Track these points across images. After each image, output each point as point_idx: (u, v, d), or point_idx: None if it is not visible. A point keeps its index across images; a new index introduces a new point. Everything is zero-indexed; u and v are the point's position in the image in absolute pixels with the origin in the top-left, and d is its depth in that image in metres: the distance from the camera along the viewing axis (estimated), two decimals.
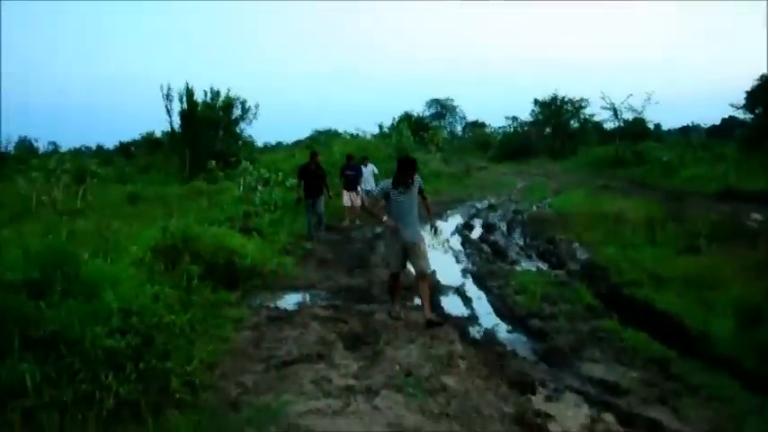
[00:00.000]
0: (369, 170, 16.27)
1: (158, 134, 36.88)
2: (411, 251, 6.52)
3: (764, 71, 33.27)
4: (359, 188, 14.94)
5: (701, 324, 6.18)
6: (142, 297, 5.70)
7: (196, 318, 6.09)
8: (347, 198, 14.97)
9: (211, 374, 5.02)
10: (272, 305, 7.48)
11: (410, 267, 6.86)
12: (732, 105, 35.36)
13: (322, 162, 13.30)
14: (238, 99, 29.15)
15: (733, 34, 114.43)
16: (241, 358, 5.48)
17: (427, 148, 32.09)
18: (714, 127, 52.68)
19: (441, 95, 67.29)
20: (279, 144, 51.82)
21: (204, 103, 28.29)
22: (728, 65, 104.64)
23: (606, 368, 5.32)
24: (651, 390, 4.80)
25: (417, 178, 6.56)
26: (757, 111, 33.24)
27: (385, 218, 6.54)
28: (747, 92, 33.69)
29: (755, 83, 33.21)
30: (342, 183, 15.03)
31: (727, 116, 46.12)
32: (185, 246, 8.41)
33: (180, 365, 4.76)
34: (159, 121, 43.40)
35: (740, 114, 36.06)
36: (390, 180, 6.56)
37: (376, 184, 16.54)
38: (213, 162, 18.06)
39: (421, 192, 6.67)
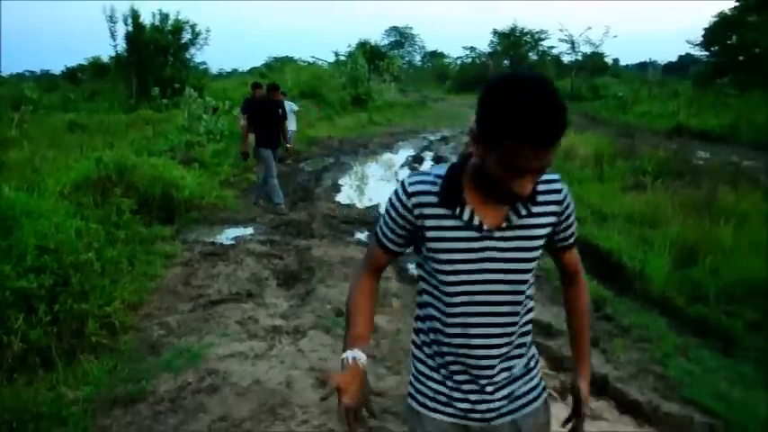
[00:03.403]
0: (287, 108, 12.94)
1: (105, 59, 35.24)
2: None
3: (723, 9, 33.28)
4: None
5: (639, 262, 6.18)
6: (63, 233, 5.39)
7: (123, 254, 5.83)
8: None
9: (134, 315, 4.82)
10: (207, 240, 7.24)
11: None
12: (689, 42, 35.37)
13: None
14: (188, 23, 27.84)
15: None
16: (168, 297, 5.28)
17: (382, 78, 31.46)
18: (671, 64, 53.04)
19: (400, 23, 66.24)
20: (234, 71, 50.29)
21: (152, 26, 26.93)
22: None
23: (541, 308, 5.26)
24: None
25: (560, 192, 1.60)
26: (713, 49, 33.31)
27: (349, 353, 1.64)
28: (705, 29, 33.70)
29: (713, 20, 33.24)
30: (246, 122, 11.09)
31: (684, 53, 46.44)
32: (120, 177, 8.05)
33: (99, 306, 4.54)
34: (107, 44, 41.34)
35: (697, 52, 36.14)
36: (439, 171, 1.59)
37: (296, 126, 13.37)
38: (157, 89, 17.32)
39: (560, 248, 1.73)
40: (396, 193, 1.60)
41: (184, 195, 8.37)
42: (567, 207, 1.61)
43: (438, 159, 14.46)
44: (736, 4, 32.82)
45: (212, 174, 10.70)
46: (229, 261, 6.24)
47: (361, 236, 7.60)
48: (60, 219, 5.74)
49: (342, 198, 10.06)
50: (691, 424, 3.46)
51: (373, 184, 11.92)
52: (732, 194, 8.29)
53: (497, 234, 1.52)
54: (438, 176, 1.55)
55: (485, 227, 1.51)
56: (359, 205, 9.48)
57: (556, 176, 1.59)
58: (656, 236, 6.82)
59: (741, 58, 29.33)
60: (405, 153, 15.93)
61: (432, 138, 19.52)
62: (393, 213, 1.60)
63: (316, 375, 3.81)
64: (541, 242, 1.59)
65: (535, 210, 1.55)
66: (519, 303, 1.60)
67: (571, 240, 1.71)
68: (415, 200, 1.55)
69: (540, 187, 1.55)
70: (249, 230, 7.83)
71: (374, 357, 4.12)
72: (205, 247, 6.84)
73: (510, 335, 1.62)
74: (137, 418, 3.36)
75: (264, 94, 9.24)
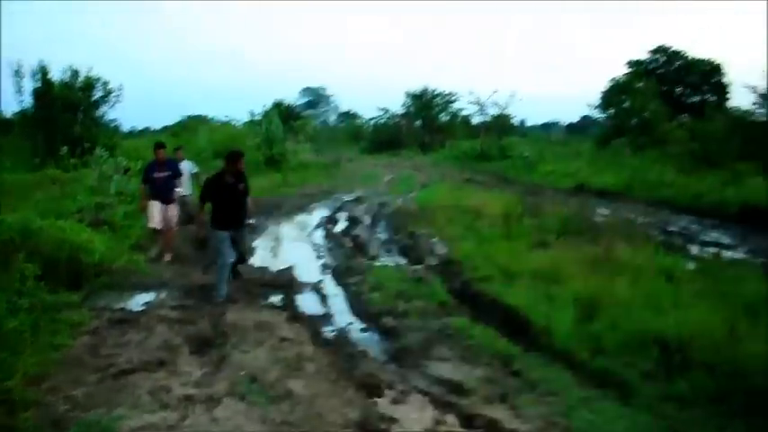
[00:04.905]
0: (185, 168, 11.44)
1: (8, 115, 33.99)
2: None
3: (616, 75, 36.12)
4: (176, 197, 9.99)
5: (544, 318, 6.47)
6: None
7: (26, 324, 5.61)
8: (157, 215, 9.50)
9: (37, 390, 4.63)
10: (116, 306, 7.05)
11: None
12: (588, 105, 37.85)
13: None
14: (100, 80, 27.33)
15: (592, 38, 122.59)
16: (75, 368, 5.10)
17: (297, 138, 31.78)
18: (573, 124, 56.38)
19: (315, 84, 67.71)
20: (146, 129, 49.39)
21: (62, 82, 26.27)
22: (590, 66, 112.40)
23: (453, 367, 5.43)
24: (493, 388, 4.95)
25: None
26: (609, 111, 35.70)
27: None
28: (602, 93, 36.19)
29: (609, 84, 35.81)
30: (147, 190, 9.67)
31: (585, 114, 49.60)
32: (24, 241, 7.76)
33: None
34: (11, 99, 39.77)
35: (596, 114, 38.60)
36: None
37: (194, 188, 11.61)
38: (65, 148, 16.84)
39: None
40: None
41: (94, 259, 8.13)
42: None
43: (352, 221, 14.66)
44: (629, 70, 35.84)
45: (123, 237, 10.44)
46: (140, 328, 6.10)
47: (275, 299, 7.59)
48: None
49: (255, 261, 10.01)
50: None
51: (287, 245, 11.94)
52: (628, 250, 8.84)
53: None
54: None
55: None
56: (272, 268, 9.44)
57: None
58: (559, 292, 7.17)
59: (634, 120, 31.53)
60: (319, 214, 16.07)
61: (346, 198, 19.78)
62: None
63: None
64: None
65: None
66: None
67: None
68: None
69: None
70: (161, 295, 7.67)
71: (289, 424, 4.13)
72: (114, 313, 6.66)
73: None
74: None
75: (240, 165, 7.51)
